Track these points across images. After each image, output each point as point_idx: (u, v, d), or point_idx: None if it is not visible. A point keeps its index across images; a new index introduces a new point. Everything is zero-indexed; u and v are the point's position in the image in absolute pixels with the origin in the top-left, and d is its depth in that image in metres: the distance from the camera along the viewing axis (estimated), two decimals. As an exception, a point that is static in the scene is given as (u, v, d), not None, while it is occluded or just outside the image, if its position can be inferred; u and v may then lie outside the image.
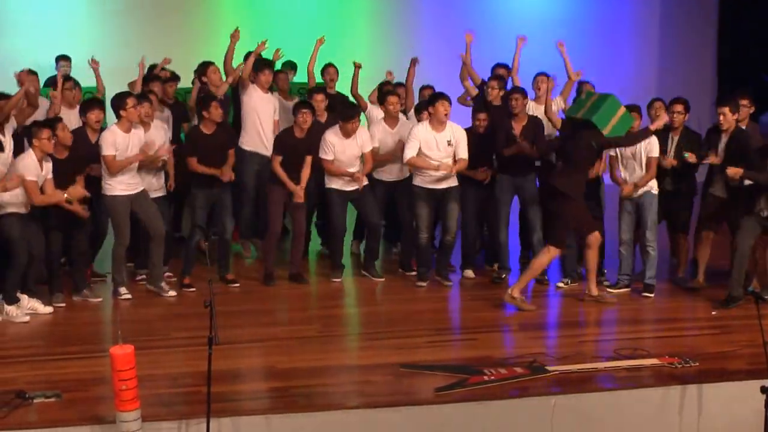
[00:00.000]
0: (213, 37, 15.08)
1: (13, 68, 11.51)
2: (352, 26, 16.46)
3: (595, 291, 10.65)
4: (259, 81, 11.80)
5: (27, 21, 15.57)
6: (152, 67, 12.51)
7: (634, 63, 17.24)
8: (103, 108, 10.86)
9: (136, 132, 10.44)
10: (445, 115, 10.87)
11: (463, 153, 10.92)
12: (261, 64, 11.95)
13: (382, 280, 11.54)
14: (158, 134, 10.87)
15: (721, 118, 10.52)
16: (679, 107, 11.02)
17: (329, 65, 12.68)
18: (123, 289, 10.60)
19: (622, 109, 10.41)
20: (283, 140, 11.09)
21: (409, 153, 10.89)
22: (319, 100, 11.78)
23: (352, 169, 11.12)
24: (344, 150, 11.09)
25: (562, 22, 16.74)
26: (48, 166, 9.92)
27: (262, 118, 11.76)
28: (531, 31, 16.26)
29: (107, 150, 10.26)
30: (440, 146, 10.88)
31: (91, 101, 10.83)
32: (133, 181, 10.48)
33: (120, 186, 10.40)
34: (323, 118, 11.69)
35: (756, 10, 16.27)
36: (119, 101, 10.35)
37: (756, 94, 11.13)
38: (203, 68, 12.06)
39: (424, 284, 11.31)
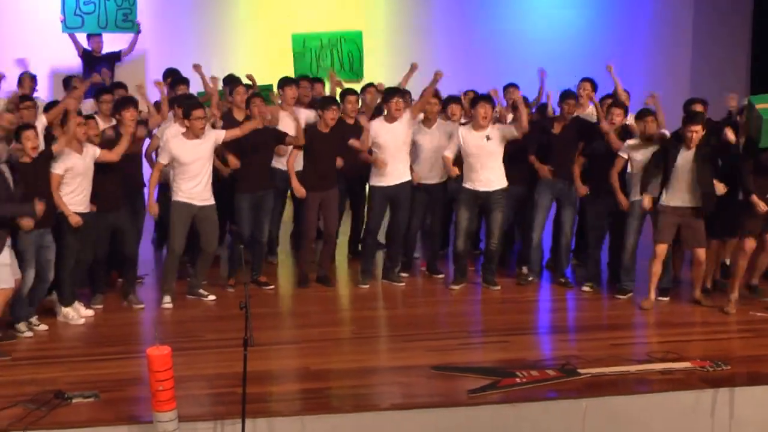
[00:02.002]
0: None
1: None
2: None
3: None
4: (285, 97, 11.77)
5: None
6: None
7: (666, 68, 17.03)
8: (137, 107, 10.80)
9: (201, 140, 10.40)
10: (484, 117, 10.80)
11: (508, 132, 10.87)
12: (284, 81, 11.97)
13: (403, 285, 11.43)
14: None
15: (694, 135, 10.21)
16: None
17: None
18: (167, 298, 10.52)
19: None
20: (310, 134, 11.02)
21: (448, 152, 10.94)
22: (352, 101, 11.70)
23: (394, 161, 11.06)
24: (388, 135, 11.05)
25: (592, 25, 16.77)
26: (90, 152, 9.86)
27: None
28: (563, 33, 16.39)
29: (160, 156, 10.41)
30: (479, 144, 10.82)
31: (127, 99, 10.80)
32: (198, 191, 10.39)
33: (182, 194, 10.36)
34: (351, 120, 11.59)
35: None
36: (186, 109, 10.39)
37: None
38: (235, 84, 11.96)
39: (457, 287, 11.24)
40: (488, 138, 10.84)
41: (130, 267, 10.53)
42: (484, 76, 14.86)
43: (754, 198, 10.17)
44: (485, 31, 16.58)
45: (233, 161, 10.73)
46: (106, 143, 10.10)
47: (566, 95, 11.27)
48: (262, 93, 11.91)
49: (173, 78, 12.40)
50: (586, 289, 11.24)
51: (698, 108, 10.89)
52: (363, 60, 15.79)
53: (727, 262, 11.32)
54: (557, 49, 16.02)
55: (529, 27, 16.76)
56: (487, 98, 11.08)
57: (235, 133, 10.53)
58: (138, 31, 14.86)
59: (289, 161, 11.06)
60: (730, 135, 10.34)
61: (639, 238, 10.86)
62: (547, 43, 16.21)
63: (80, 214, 9.76)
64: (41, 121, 10.03)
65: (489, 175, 10.92)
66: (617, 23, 16.94)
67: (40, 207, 9.01)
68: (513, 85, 11.99)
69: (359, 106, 12.05)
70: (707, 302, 10.60)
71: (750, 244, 10.42)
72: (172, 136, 10.41)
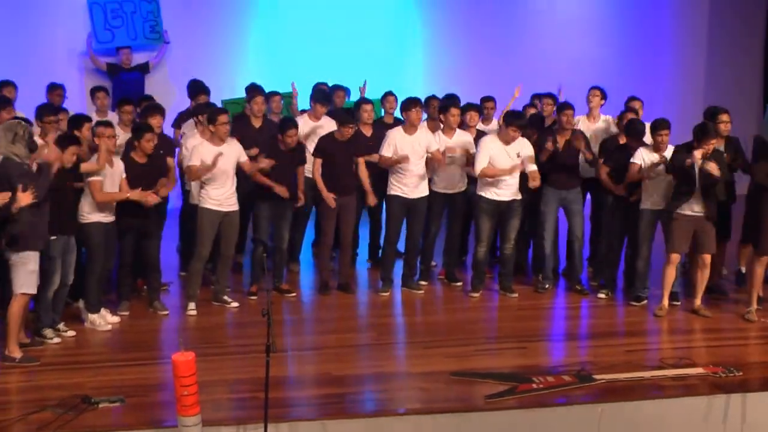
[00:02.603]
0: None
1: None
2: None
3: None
4: (315, 110, 11.84)
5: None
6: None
7: (679, 74, 16.99)
8: (163, 113, 10.93)
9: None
10: (515, 133, 10.84)
11: (533, 166, 10.87)
12: (319, 94, 12.05)
13: (422, 292, 11.44)
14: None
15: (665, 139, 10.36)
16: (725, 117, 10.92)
17: (389, 94, 12.64)
18: (191, 305, 10.55)
19: None
20: (325, 144, 11.06)
21: (479, 165, 10.86)
22: (368, 110, 11.73)
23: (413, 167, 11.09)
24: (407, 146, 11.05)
25: (606, 30, 16.71)
26: (119, 165, 9.95)
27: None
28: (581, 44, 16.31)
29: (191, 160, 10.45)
30: (511, 157, 10.84)
31: (154, 107, 10.89)
32: (224, 197, 10.46)
33: (211, 201, 10.43)
34: (369, 130, 11.64)
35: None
36: (211, 115, 10.49)
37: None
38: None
39: (476, 294, 11.26)
40: (518, 155, 10.88)
41: (153, 274, 10.59)
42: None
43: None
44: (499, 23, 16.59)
45: (266, 161, 10.78)
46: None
47: (564, 106, 11.28)
48: (284, 100, 12.06)
49: (194, 87, 12.49)
50: (601, 296, 11.24)
51: (723, 119, 10.88)
52: None
53: (743, 269, 11.33)
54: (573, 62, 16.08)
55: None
56: (520, 116, 11.13)
57: (248, 167, 10.60)
58: (166, 42, 14.93)
59: (316, 172, 11.06)
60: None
61: (652, 245, 10.85)
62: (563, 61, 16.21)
63: (104, 224, 9.84)
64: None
65: (512, 186, 10.97)
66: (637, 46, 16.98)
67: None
68: (597, 88, 12.01)
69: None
70: (705, 312, 10.56)
71: (766, 258, 10.40)
72: (198, 143, 10.48)
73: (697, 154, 10.03)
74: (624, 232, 11.19)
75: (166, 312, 10.47)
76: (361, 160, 11.18)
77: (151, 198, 9.99)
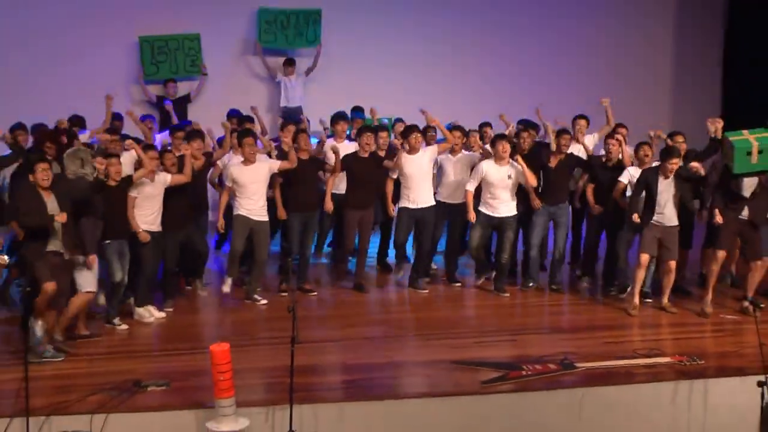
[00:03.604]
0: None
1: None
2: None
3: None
4: (336, 131, 11.84)
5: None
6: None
7: (648, 98, 16.70)
8: (203, 137, 10.91)
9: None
10: (504, 152, 10.79)
11: (532, 181, 10.83)
12: (336, 117, 12.03)
13: (426, 292, 11.35)
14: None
15: (672, 167, 10.16)
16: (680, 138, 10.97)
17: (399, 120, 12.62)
18: (229, 281, 10.59)
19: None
20: (347, 160, 11.02)
21: (470, 186, 10.90)
22: (383, 137, 11.68)
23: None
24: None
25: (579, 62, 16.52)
26: (160, 178, 9.93)
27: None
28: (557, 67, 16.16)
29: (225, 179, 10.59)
30: (502, 178, 10.80)
31: (195, 132, 10.87)
32: (255, 208, 10.45)
33: (242, 209, 10.45)
34: (383, 153, 11.56)
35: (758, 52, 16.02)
36: (238, 138, 10.62)
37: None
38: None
39: (480, 281, 11.38)
40: (509, 177, 10.83)
41: (200, 260, 10.71)
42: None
43: (716, 211, 10.21)
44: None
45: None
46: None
47: (562, 132, 11.18)
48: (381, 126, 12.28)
49: (239, 117, 12.47)
50: (585, 284, 11.36)
51: (678, 140, 10.87)
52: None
53: (704, 272, 11.24)
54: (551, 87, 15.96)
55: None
56: (505, 136, 11.08)
57: (286, 165, 10.57)
58: (204, 74, 14.90)
59: (329, 181, 11.06)
60: (695, 166, 10.38)
61: (629, 249, 10.82)
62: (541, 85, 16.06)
63: (150, 232, 9.81)
64: (131, 155, 10.11)
65: (506, 203, 10.91)
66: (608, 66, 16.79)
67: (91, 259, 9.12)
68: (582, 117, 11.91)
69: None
70: (671, 309, 10.48)
71: (721, 255, 10.36)
72: (233, 164, 10.53)
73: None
74: (598, 237, 11.23)
75: (205, 292, 10.70)
76: (389, 183, 11.14)
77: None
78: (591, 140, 11.76)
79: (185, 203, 10.23)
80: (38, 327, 8.43)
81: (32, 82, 14.05)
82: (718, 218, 10.18)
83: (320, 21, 15.03)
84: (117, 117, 12.46)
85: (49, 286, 8.39)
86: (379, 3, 15.55)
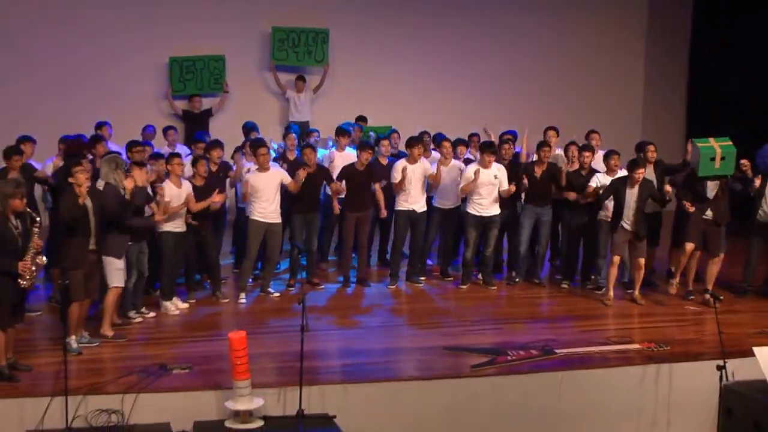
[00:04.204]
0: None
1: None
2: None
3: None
4: (339, 144, 11.85)
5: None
6: None
7: (620, 112, 16.61)
8: (222, 147, 10.91)
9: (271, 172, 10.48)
10: (490, 162, 10.82)
11: (506, 185, 10.86)
12: (339, 131, 12.03)
13: (421, 285, 11.35)
14: None
15: (638, 176, 10.18)
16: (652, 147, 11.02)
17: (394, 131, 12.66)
18: (242, 295, 10.51)
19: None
20: (347, 170, 11.03)
21: (463, 185, 10.88)
22: (386, 145, 11.70)
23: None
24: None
25: (562, 73, 16.43)
26: (186, 186, 9.94)
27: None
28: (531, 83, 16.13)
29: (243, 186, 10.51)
30: (489, 179, 10.80)
31: (215, 142, 10.87)
32: (268, 212, 10.41)
33: (258, 214, 10.41)
34: (385, 161, 11.60)
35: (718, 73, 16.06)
36: (253, 148, 10.55)
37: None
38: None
39: (465, 287, 11.18)
40: (495, 177, 10.85)
41: (214, 271, 10.58)
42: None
43: (686, 203, 10.30)
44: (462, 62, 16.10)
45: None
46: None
47: (542, 144, 11.21)
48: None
49: (247, 126, 12.51)
50: (564, 286, 11.24)
51: (650, 149, 10.93)
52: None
53: (672, 269, 11.26)
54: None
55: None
56: (492, 146, 11.07)
57: (291, 186, 10.50)
58: (225, 92, 14.93)
59: (333, 189, 11.07)
60: (668, 190, 10.49)
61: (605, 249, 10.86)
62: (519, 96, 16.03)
63: (174, 233, 9.84)
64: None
65: (492, 203, 10.91)
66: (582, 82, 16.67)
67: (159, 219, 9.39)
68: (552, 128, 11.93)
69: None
70: (641, 301, 10.49)
71: (689, 247, 10.42)
72: (250, 172, 10.51)
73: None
74: (579, 239, 11.19)
75: (226, 300, 10.44)
76: (377, 187, 11.16)
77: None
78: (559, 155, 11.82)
79: (204, 208, 10.17)
80: (73, 341, 8.41)
81: (70, 91, 13.99)
82: (690, 207, 10.24)
83: (328, 40, 15.05)
84: (148, 129, 12.46)
85: (76, 308, 8.40)
86: (381, 25, 15.56)
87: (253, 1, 14.93)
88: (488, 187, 10.85)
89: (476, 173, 10.75)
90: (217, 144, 10.83)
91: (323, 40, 15.03)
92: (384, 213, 11.33)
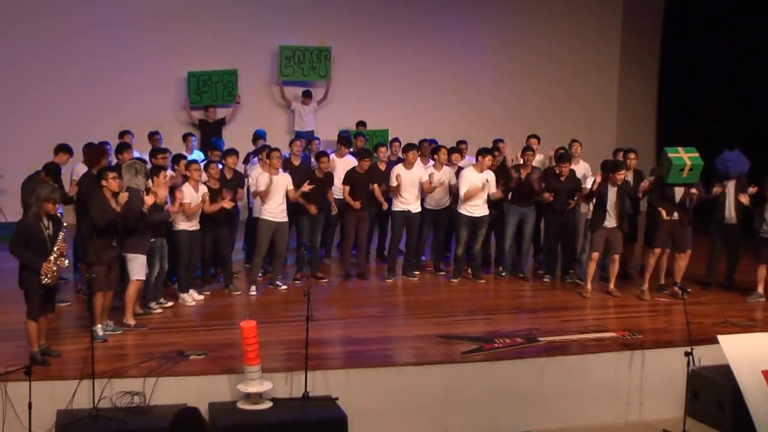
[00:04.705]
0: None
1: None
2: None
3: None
4: (340, 151, 11.86)
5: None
6: None
7: (595, 121, 16.62)
8: (237, 154, 10.89)
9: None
10: (487, 164, 10.88)
11: (494, 188, 10.92)
12: (340, 139, 12.08)
13: (416, 279, 11.36)
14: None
15: (619, 178, 10.23)
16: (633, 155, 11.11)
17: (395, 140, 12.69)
18: (253, 288, 10.52)
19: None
20: (351, 174, 11.06)
21: (463, 190, 10.85)
22: (383, 151, 11.72)
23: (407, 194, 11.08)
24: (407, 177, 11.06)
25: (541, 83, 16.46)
26: (202, 188, 9.96)
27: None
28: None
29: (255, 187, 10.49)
30: (480, 183, 10.83)
31: (230, 150, 10.90)
32: (277, 211, 10.42)
33: (267, 213, 10.41)
34: (383, 166, 11.62)
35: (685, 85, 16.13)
36: (268, 153, 10.52)
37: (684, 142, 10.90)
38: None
39: (456, 281, 11.22)
40: (487, 181, 10.90)
41: (227, 265, 10.59)
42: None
43: (659, 208, 10.33)
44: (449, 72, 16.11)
45: (308, 186, 10.72)
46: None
47: (526, 149, 11.29)
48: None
49: (256, 134, 12.52)
50: (546, 280, 11.26)
51: (632, 156, 11.04)
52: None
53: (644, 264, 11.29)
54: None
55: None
56: (489, 151, 11.08)
57: (291, 194, 10.52)
58: (237, 102, 14.95)
59: (345, 194, 11.05)
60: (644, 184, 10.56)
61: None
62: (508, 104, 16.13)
63: (189, 231, 9.85)
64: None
65: (482, 205, 10.93)
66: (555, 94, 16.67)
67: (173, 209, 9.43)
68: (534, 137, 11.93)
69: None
70: (616, 293, 10.53)
71: (657, 251, 10.48)
72: (259, 174, 10.50)
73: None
74: (559, 237, 11.22)
75: (238, 292, 10.45)
76: (376, 186, 11.19)
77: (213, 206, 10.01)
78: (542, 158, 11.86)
79: (220, 209, 10.20)
80: (99, 329, 8.42)
81: (92, 100, 14.09)
82: (663, 214, 10.30)
83: (330, 57, 15.11)
84: (153, 134, 12.48)
85: (100, 298, 8.41)
86: (380, 42, 15.63)
87: (263, 21, 14.99)
88: (479, 187, 10.85)
89: (398, 177, 10.86)
90: (233, 152, 10.86)
91: (326, 57, 15.10)
92: (385, 205, 11.36)
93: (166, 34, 14.50)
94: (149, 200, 8.90)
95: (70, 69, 14.10)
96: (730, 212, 10.58)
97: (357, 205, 11.00)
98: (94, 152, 10.39)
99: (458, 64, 16.01)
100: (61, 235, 7.70)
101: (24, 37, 13.83)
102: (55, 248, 7.64)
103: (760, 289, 10.44)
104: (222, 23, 14.82)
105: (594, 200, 10.48)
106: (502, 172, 11.17)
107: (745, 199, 10.34)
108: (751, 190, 10.31)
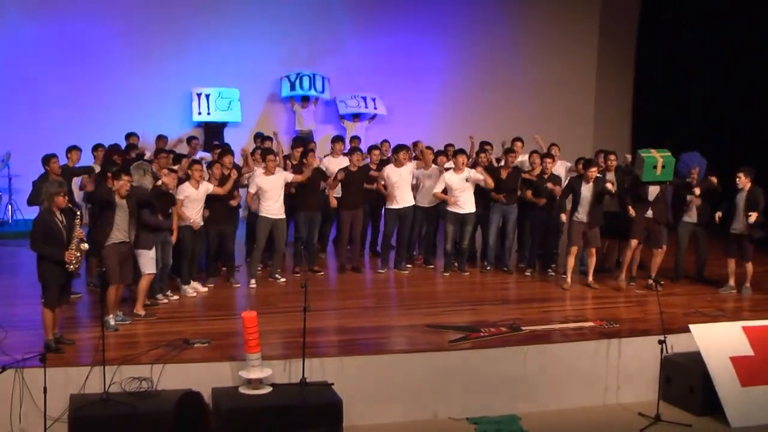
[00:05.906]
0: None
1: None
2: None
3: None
4: (334, 149, 11.87)
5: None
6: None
7: (573, 124, 16.60)
8: (233, 154, 10.91)
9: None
10: (463, 163, 10.92)
11: (480, 176, 10.90)
12: (335, 138, 12.14)
13: (407, 272, 11.39)
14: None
15: (592, 174, 10.31)
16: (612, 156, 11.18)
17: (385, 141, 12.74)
18: (253, 280, 10.54)
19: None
20: (344, 171, 11.09)
21: (436, 189, 10.96)
22: (376, 154, 11.76)
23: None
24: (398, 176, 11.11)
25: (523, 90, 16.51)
26: (203, 187, 9.96)
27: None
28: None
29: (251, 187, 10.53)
30: (461, 183, 10.89)
31: (226, 149, 10.92)
32: (275, 209, 10.43)
33: (264, 210, 10.44)
34: (375, 166, 11.63)
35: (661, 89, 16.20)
36: (263, 155, 10.61)
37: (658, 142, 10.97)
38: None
39: (447, 274, 11.26)
40: (467, 180, 10.94)
41: (229, 259, 10.63)
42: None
43: (630, 208, 10.41)
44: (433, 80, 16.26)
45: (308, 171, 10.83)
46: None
47: (509, 150, 11.37)
48: None
49: (262, 137, 12.54)
50: (527, 274, 11.30)
51: (611, 158, 11.10)
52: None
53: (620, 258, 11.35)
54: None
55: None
56: (463, 151, 11.18)
57: (299, 177, 10.63)
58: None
59: (330, 188, 11.16)
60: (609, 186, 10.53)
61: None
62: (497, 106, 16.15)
63: (191, 228, 9.84)
64: (182, 168, 10.30)
65: (467, 203, 10.99)
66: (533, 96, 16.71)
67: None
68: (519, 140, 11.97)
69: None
70: (594, 285, 10.57)
71: (634, 242, 10.54)
72: (257, 175, 10.53)
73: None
74: (540, 233, 11.29)
75: (238, 285, 10.46)
76: (368, 186, 11.28)
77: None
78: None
79: (223, 206, 10.28)
80: (110, 319, 8.45)
81: (111, 108, 14.22)
82: (632, 211, 10.38)
83: (329, 82, 15.15)
84: (159, 138, 12.49)
85: (112, 290, 8.45)
86: (372, 65, 15.76)
87: (264, 48, 15.13)
88: (461, 189, 10.90)
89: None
90: (228, 151, 10.91)
91: (323, 81, 15.12)
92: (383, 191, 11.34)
93: (173, 53, 14.70)
94: (169, 181, 9.27)
95: (94, 82, 14.33)
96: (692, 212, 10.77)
97: (332, 201, 11.04)
98: (109, 152, 10.60)
99: (441, 71, 16.10)
100: (76, 222, 7.77)
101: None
102: (74, 235, 7.70)
103: (732, 282, 10.53)
104: (226, 45, 14.94)
105: (569, 196, 10.58)
106: (490, 171, 11.22)
107: (697, 202, 10.60)
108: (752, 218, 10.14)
